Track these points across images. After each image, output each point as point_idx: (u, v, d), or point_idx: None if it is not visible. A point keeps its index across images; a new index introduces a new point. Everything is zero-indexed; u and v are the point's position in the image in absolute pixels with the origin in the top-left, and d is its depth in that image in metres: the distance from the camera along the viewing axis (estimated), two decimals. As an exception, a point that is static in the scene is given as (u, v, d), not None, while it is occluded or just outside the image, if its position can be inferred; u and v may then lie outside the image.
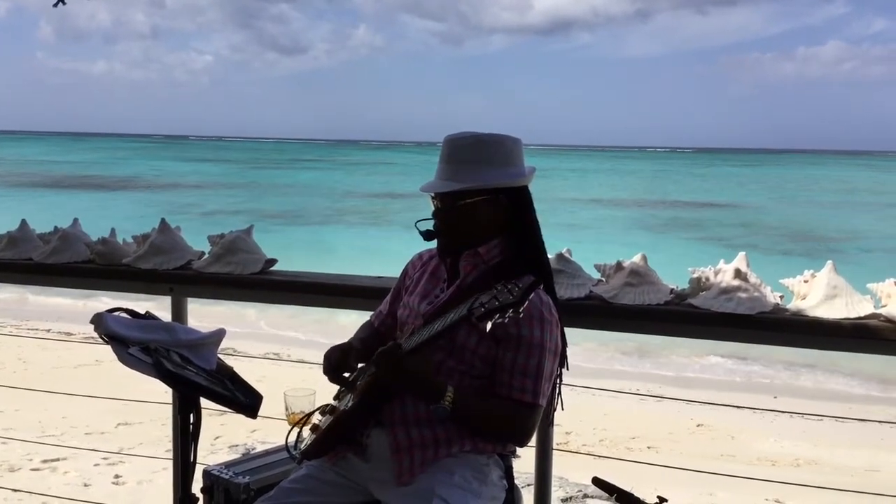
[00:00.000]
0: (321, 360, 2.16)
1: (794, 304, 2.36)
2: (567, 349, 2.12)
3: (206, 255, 2.99)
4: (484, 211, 2.06)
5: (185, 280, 2.95)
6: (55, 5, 4.26)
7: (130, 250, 3.06)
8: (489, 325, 1.78)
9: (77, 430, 6.45)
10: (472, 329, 1.93)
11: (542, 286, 1.94)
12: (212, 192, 41.56)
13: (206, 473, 2.54)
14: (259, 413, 1.94)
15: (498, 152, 2.05)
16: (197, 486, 2.12)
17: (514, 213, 2.09)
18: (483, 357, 1.99)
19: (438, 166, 2.08)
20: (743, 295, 2.35)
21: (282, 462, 2.56)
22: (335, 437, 2.10)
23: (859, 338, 2.27)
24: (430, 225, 2.10)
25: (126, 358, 1.83)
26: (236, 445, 6.13)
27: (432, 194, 2.09)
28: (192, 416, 1.88)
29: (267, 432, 6.20)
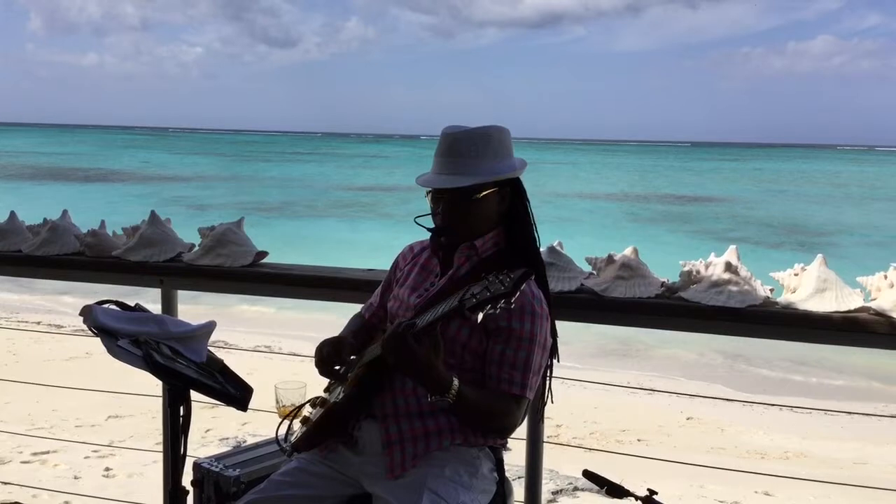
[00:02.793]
0: (312, 353, 2.16)
1: (784, 298, 2.37)
2: (558, 342, 2.12)
3: (197, 248, 2.98)
4: (492, 203, 2.06)
5: (176, 272, 2.95)
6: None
7: (120, 242, 3.05)
8: (480, 316, 1.76)
9: (67, 422, 6.43)
10: (464, 322, 1.92)
11: (533, 277, 1.93)
12: (202, 184, 41.45)
13: (197, 466, 2.54)
14: (250, 406, 1.94)
15: (501, 143, 2.06)
16: (187, 479, 2.11)
17: (513, 205, 2.09)
18: (473, 351, 1.99)
19: (438, 160, 2.06)
20: (733, 288, 2.35)
21: (272, 455, 2.56)
22: (326, 429, 2.09)
23: (849, 331, 2.28)
24: (429, 220, 2.09)
25: (116, 350, 1.83)
26: (227, 438, 6.13)
27: (428, 189, 2.08)
28: (182, 408, 1.87)
29: (258, 425, 6.19)
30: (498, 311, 1.73)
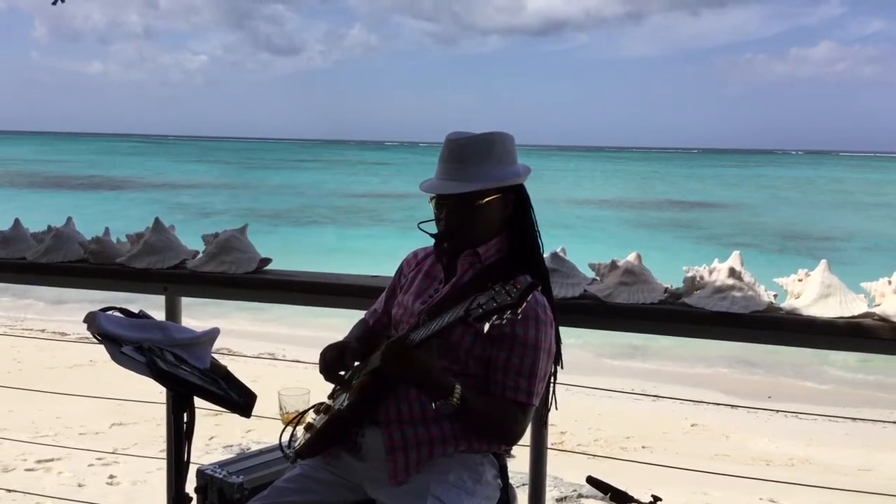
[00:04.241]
0: (316, 360, 2.15)
1: (788, 303, 2.36)
2: (562, 348, 2.12)
3: (201, 255, 2.98)
4: (496, 209, 2.06)
5: (180, 279, 2.94)
6: (54, 3, 4.24)
7: (124, 249, 3.05)
8: (487, 327, 1.76)
9: (71, 430, 6.43)
10: (468, 329, 1.92)
11: (539, 287, 1.93)
12: (206, 191, 41.51)
13: (200, 473, 2.54)
14: (253, 412, 1.94)
15: (505, 150, 2.06)
16: (191, 486, 2.11)
17: (517, 211, 2.09)
18: (477, 357, 1.99)
19: (442, 166, 2.06)
20: (737, 294, 2.35)
21: (276, 461, 2.56)
22: (329, 436, 2.09)
23: (853, 336, 2.27)
24: (432, 225, 2.09)
25: (119, 357, 1.83)
26: (231, 445, 6.12)
27: (432, 195, 2.08)
28: (185, 415, 1.87)
29: (262, 432, 6.19)
30: (504, 321, 1.73)
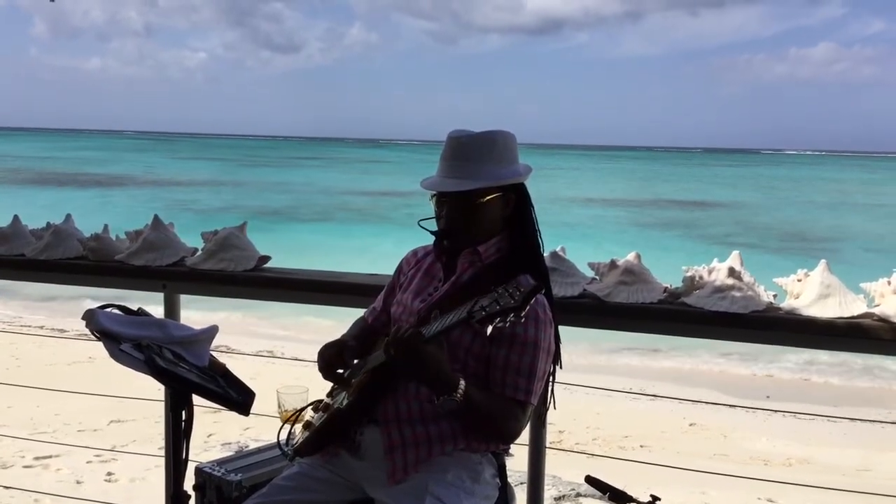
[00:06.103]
0: (315, 358, 2.15)
1: (787, 303, 2.36)
2: (561, 348, 2.12)
3: (200, 252, 2.98)
4: (496, 208, 2.06)
5: (178, 277, 2.94)
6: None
7: (123, 247, 3.05)
8: (490, 329, 1.76)
9: (70, 427, 6.43)
10: (468, 327, 1.92)
11: (542, 290, 1.93)
12: (205, 189, 41.49)
13: (199, 471, 2.54)
14: (252, 410, 1.94)
15: (506, 148, 2.06)
16: (189, 484, 2.11)
17: (517, 210, 2.09)
18: (477, 356, 1.98)
19: (443, 164, 2.06)
20: (736, 294, 2.35)
21: (274, 459, 2.56)
22: (328, 434, 2.09)
23: (852, 337, 2.27)
24: (432, 223, 2.09)
25: (118, 354, 1.82)
26: (229, 443, 6.12)
27: (433, 193, 2.07)
28: (184, 413, 1.87)
29: (260, 430, 6.19)
30: (507, 324, 1.73)
